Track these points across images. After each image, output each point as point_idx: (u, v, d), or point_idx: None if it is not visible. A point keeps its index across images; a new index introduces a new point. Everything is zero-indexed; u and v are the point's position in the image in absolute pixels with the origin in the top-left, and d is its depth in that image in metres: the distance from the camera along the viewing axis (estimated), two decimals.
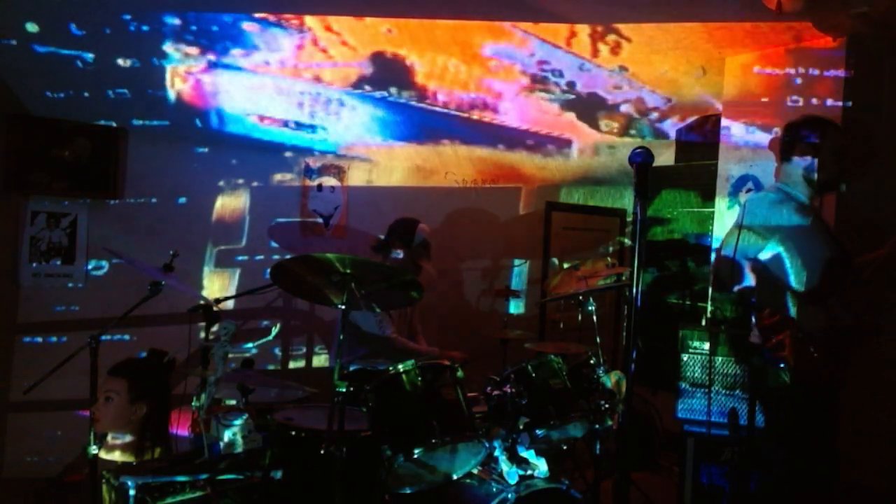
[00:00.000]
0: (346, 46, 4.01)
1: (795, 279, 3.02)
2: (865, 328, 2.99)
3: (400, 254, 3.93)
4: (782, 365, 2.96)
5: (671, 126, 5.06)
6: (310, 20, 3.79)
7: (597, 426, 3.07)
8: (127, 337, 4.12)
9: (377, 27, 3.90)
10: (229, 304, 4.17)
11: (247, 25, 3.85)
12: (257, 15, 3.77)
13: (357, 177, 4.77)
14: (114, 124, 4.12)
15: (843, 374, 3.01)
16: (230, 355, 2.65)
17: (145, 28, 3.84)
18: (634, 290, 1.97)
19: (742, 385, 3.53)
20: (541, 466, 2.84)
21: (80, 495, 2.89)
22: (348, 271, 2.48)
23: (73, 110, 4.01)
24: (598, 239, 5.46)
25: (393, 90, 4.44)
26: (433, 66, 4.28)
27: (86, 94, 4.02)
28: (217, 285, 4.44)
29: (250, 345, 2.81)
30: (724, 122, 4.34)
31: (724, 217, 4.30)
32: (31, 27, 3.72)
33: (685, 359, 3.69)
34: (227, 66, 4.11)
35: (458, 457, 2.73)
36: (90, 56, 3.88)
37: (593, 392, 3.12)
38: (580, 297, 3.86)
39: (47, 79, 3.93)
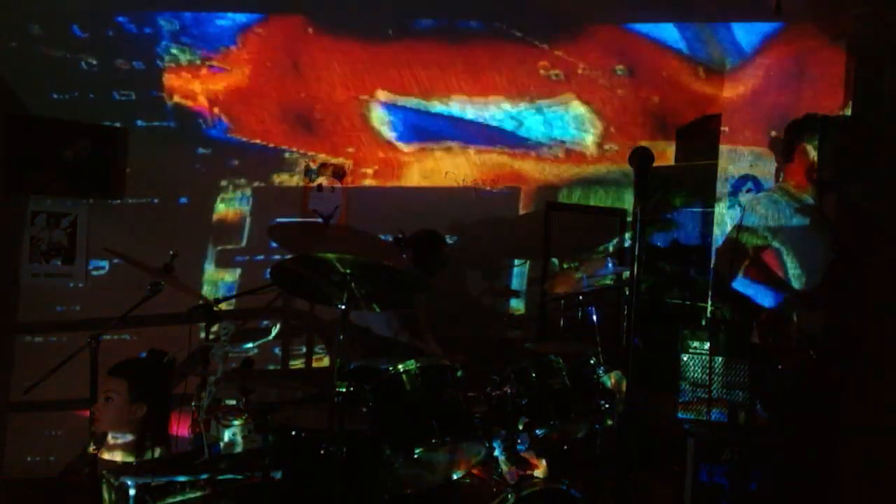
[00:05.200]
0: None
1: (796, 279, 3.02)
2: (868, 329, 2.98)
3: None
4: (780, 366, 2.96)
5: (671, 126, 5.06)
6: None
7: (597, 426, 3.07)
8: (127, 337, 4.12)
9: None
10: (229, 304, 4.17)
11: (247, 28, 3.86)
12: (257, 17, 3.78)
13: (357, 177, 4.77)
14: (118, 125, 4.12)
15: (845, 376, 3.01)
16: (230, 355, 2.66)
17: (148, 30, 3.85)
18: (634, 290, 1.97)
19: (742, 385, 3.53)
20: (541, 466, 2.84)
21: (80, 495, 2.89)
22: (348, 271, 2.48)
23: (77, 111, 4.02)
24: (598, 239, 5.45)
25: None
26: None
27: (91, 96, 4.03)
28: (217, 285, 4.44)
29: (250, 345, 2.81)
30: (724, 122, 4.34)
31: (724, 217, 4.30)
32: (34, 29, 3.74)
33: (685, 359, 3.69)
34: (228, 70, 4.13)
35: (458, 457, 2.73)
36: (93, 58, 3.89)
37: (593, 392, 3.12)
38: (580, 298, 3.86)
39: (51, 80, 3.95)
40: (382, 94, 4.42)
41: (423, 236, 4.07)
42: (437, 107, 4.63)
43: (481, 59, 4.44)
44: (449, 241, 4.53)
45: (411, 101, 4.49)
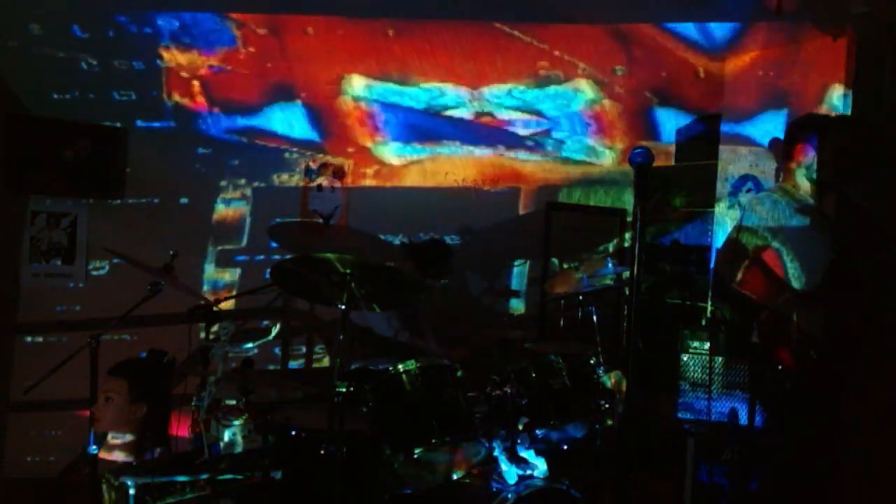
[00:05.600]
0: None
1: (796, 279, 3.02)
2: (868, 328, 2.99)
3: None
4: (780, 366, 2.96)
5: (671, 126, 5.07)
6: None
7: (597, 426, 3.07)
8: (127, 337, 4.12)
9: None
10: (229, 304, 4.17)
11: (248, 29, 3.86)
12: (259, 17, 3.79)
13: (357, 177, 4.78)
14: (118, 125, 4.12)
15: (845, 376, 3.01)
16: (230, 355, 2.66)
17: (148, 30, 3.85)
18: (634, 290, 1.97)
19: (742, 385, 3.53)
20: (540, 466, 2.84)
21: (80, 495, 2.89)
22: (348, 271, 2.49)
23: (77, 111, 4.02)
24: (598, 239, 5.45)
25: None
26: None
27: (91, 96, 4.03)
28: (217, 285, 4.44)
29: (250, 345, 2.81)
30: (724, 122, 4.34)
31: (724, 218, 4.30)
32: (34, 29, 3.74)
33: (685, 359, 3.69)
34: (228, 70, 4.13)
35: (457, 457, 2.73)
36: (93, 58, 3.89)
37: (593, 392, 3.12)
38: (580, 298, 3.85)
39: (51, 80, 3.95)
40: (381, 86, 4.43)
41: (430, 246, 4.11)
42: (438, 98, 4.64)
43: (480, 54, 4.47)
44: (449, 241, 4.54)
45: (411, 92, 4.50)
